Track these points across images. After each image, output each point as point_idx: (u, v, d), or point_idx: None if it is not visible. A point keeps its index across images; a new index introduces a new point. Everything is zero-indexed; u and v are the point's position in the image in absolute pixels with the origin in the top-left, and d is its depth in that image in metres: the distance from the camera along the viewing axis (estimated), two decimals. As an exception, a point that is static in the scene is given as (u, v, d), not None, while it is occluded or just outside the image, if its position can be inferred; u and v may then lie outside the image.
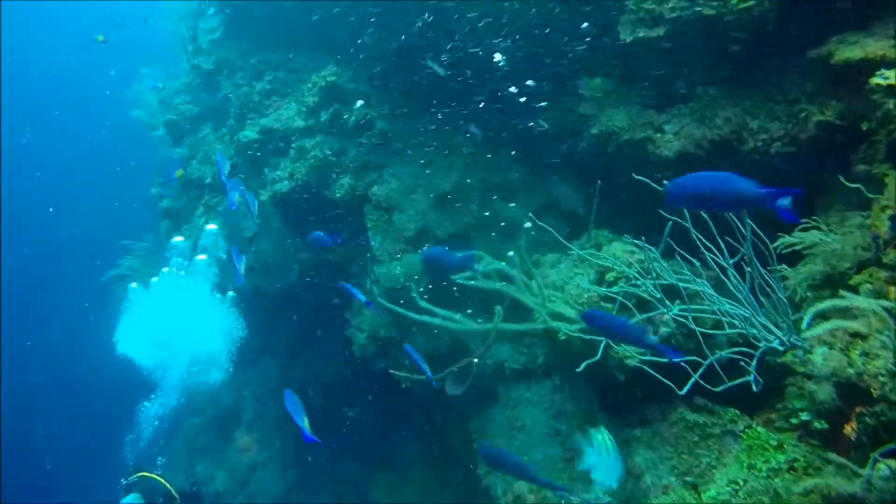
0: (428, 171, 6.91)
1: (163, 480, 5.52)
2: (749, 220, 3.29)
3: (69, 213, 22.96)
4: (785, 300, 3.07)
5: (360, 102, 6.48)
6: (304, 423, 4.70)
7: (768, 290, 3.32)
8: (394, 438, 9.08)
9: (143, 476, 5.55)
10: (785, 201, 2.26)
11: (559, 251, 5.96)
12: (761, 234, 3.32)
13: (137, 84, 12.03)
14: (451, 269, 5.59)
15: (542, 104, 5.99)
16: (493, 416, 6.45)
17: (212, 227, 8.26)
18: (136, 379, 7.90)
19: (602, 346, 3.94)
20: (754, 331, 3.07)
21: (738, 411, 3.96)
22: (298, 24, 7.99)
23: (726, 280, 3.22)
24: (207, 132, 9.53)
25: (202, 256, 8.08)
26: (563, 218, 6.51)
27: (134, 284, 8.41)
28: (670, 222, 4.29)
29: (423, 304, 4.13)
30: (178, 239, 8.36)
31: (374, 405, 8.88)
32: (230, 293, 7.96)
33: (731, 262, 3.24)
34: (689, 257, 4.07)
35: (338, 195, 7.29)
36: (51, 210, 23.05)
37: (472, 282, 4.15)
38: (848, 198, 3.70)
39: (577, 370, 4.16)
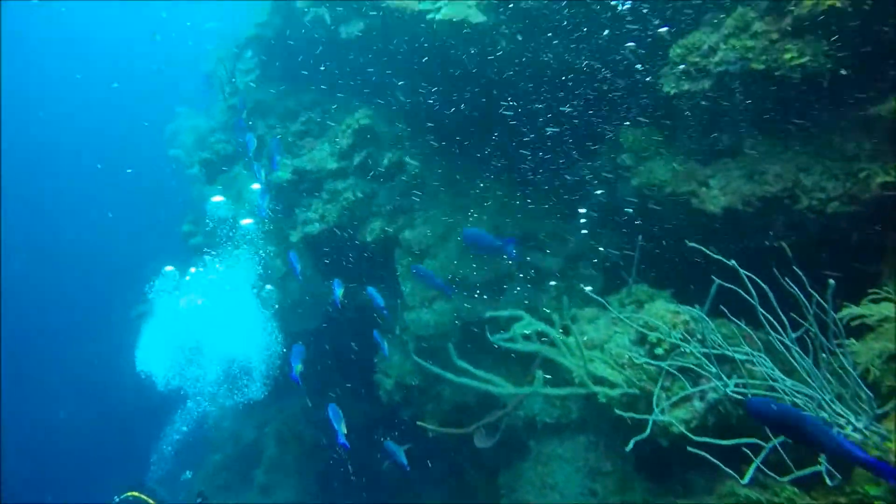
0: (461, 218, 6.81)
1: (152, 502, 5.49)
2: (812, 291, 3.08)
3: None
4: (859, 380, 2.82)
5: (413, 162, 6.47)
6: (342, 427, 5.29)
7: (833, 363, 3.08)
8: (418, 489, 8.80)
9: (135, 496, 5.50)
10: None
11: (595, 304, 5.76)
12: (825, 305, 3.09)
13: (172, 123, 12.27)
14: (489, 251, 5.56)
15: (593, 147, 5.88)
16: (524, 471, 6.18)
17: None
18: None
19: (650, 423, 3.68)
20: (824, 414, 2.83)
21: (796, 489, 3.66)
22: (333, 67, 8.06)
23: (793, 361, 2.99)
24: (240, 171, 9.59)
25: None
26: (597, 267, 6.33)
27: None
28: (716, 282, 4.08)
29: (460, 362, 3.95)
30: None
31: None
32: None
33: (794, 336, 3.01)
34: (732, 317, 3.85)
35: (369, 238, 7.22)
36: (109, 215, 23.68)
37: (512, 344, 3.97)
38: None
39: (627, 448, 3.90)
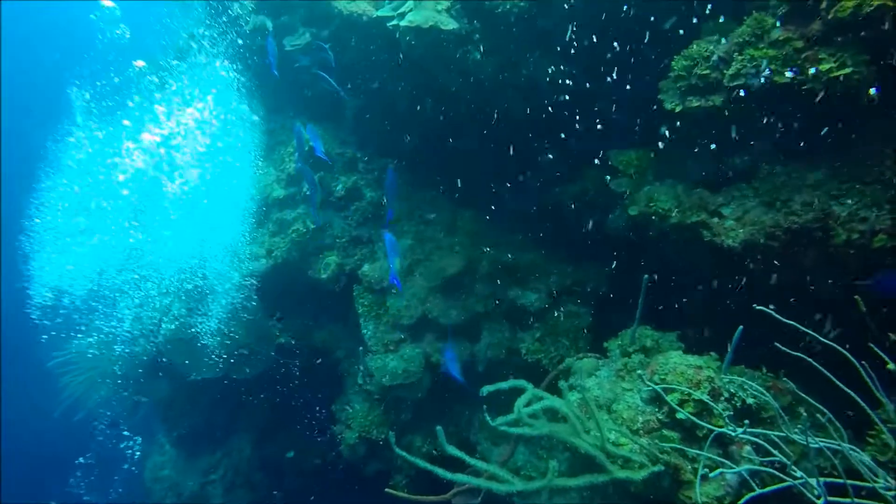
0: (428, 248, 6.06)
1: None
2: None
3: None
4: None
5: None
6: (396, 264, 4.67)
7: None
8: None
9: None
10: None
11: (591, 347, 5.11)
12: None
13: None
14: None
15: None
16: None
17: None
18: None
19: None
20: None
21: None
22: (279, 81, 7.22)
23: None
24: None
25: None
26: (584, 302, 5.70)
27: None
28: (741, 327, 3.47)
29: (452, 450, 3.20)
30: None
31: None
32: None
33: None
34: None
35: (324, 276, 6.37)
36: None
37: (518, 429, 3.26)
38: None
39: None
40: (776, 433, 3.09)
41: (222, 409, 8.71)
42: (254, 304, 6.90)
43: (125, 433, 10.36)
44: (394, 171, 4.93)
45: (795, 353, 2.69)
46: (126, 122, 6.73)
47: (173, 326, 6.68)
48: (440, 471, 3.07)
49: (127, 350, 7.18)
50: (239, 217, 6.64)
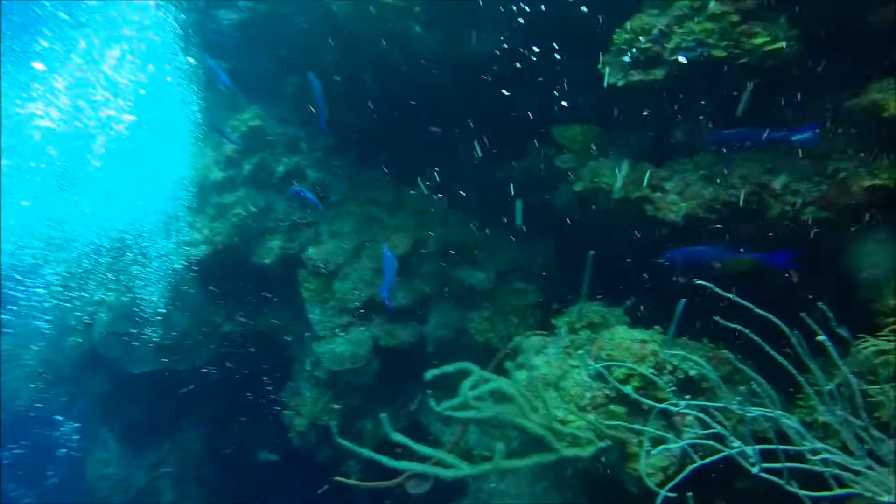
0: (374, 229, 5.94)
1: None
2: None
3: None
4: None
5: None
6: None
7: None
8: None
9: None
10: None
11: (537, 326, 5.12)
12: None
13: None
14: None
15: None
16: (463, 510, 5.52)
17: None
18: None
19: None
20: (867, 490, 2.28)
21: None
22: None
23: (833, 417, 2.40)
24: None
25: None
26: (532, 279, 5.71)
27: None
28: (682, 300, 3.52)
29: (397, 436, 3.13)
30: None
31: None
32: None
33: (830, 387, 2.43)
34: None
35: (267, 261, 6.17)
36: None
37: (463, 413, 3.22)
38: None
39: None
40: (715, 405, 3.16)
41: (168, 402, 8.41)
42: (194, 292, 6.65)
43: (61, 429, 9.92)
44: (315, 77, 4.73)
45: (733, 326, 2.72)
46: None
47: (107, 317, 6.37)
48: (385, 459, 3.01)
49: (55, 343, 6.82)
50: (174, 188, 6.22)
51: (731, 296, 2.49)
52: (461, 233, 5.74)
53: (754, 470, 2.48)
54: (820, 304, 2.38)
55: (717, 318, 2.66)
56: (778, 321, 2.36)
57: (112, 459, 10.69)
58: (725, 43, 3.54)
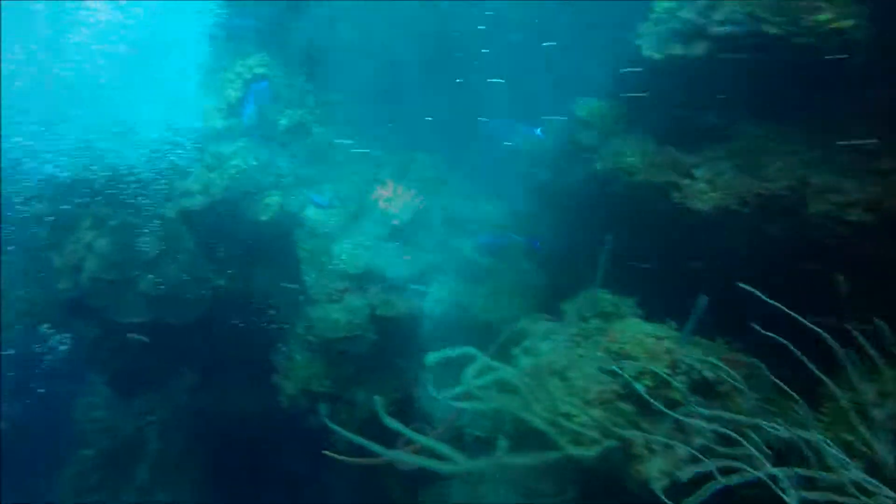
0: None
1: None
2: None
3: None
4: None
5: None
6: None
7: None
8: (329, 492, 7.82)
9: None
10: None
11: (545, 310, 4.89)
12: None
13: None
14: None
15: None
16: (451, 491, 5.41)
17: None
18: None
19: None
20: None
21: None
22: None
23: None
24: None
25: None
26: (540, 260, 5.45)
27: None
28: (705, 297, 3.29)
29: (391, 423, 2.94)
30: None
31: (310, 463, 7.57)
32: None
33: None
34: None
35: (264, 217, 5.90)
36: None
37: (467, 404, 3.01)
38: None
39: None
40: (728, 415, 2.97)
41: (157, 353, 8.26)
42: (187, 244, 6.39)
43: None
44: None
45: (766, 333, 2.49)
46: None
47: (95, 266, 6.13)
48: (375, 446, 2.81)
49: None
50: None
51: (777, 304, 2.25)
52: (470, 204, 5.46)
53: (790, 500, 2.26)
54: (877, 320, 2.13)
55: (754, 325, 2.42)
56: (830, 339, 2.13)
57: (100, 403, 10.64)
58: (782, 18, 3.20)
